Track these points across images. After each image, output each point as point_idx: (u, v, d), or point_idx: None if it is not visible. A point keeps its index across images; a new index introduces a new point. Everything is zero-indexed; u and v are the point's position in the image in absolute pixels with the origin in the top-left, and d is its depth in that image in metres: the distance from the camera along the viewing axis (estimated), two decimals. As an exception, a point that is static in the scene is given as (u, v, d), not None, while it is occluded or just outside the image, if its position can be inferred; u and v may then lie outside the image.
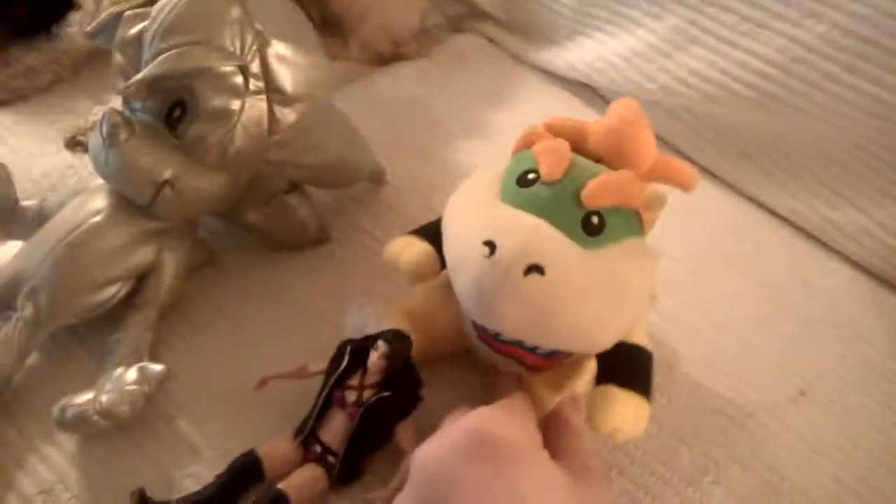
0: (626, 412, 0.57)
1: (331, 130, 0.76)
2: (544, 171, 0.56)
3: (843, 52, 0.80)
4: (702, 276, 0.83)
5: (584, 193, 0.55)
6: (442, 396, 0.64)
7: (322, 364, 0.64)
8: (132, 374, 0.64)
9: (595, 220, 0.55)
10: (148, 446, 0.64)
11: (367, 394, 0.61)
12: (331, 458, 0.61)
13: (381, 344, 0.60)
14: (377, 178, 0.86)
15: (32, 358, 0.69)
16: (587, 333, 0.56)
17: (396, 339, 0.61)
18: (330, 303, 0.74)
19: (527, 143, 0.60)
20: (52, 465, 0.64)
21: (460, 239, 0.59)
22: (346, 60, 1.08)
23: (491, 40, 1.14)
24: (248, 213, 0.75)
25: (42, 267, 0.65)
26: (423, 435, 0.60)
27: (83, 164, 0.88)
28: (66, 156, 0.90)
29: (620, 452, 0.66)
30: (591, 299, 0.54)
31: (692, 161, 0.95)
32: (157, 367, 0.64)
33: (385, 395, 0.60)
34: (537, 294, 0.53)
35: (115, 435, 0.64)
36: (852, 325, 0.80)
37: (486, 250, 0.54)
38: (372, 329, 0.64)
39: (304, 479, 0.60)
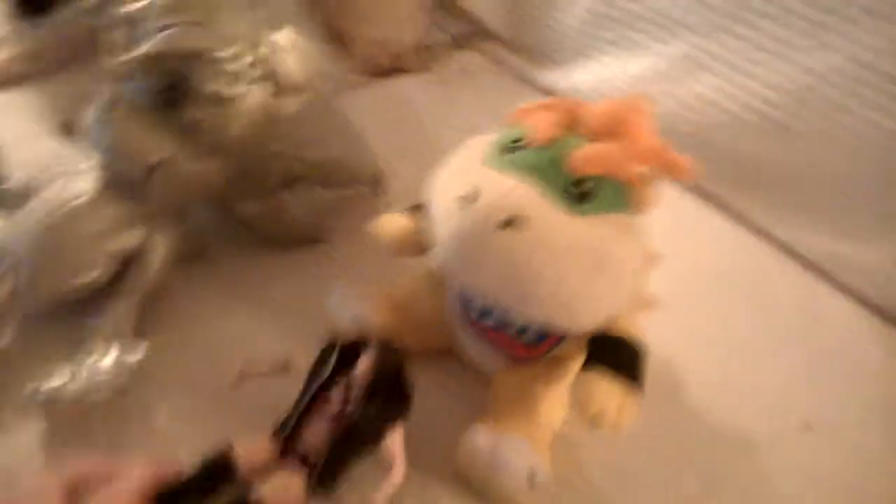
0: (609, 397, 0.53)
1: (331, 126, 0.74)
2: (532, 135, 0.54)
3: (856, 84, 0.79)
4: (707, 303, 0.80)
5: (573, 159, 0.52)
6: (428, 399, 0.61)
7: (304, 360, 0.60)
8: (108, 360, 0.60)
9: (583, 187, 0.53)
10: (120, 437, 0.61)
11: (351, 403, 0.57)
12: (311, 463, 0.57)
13: (370, 355, 0.57)
14: (376, 183, 0.83)
15: (5, 339, 0.65)
16: (568, 301, 0.53)
17: (386, 351, 0.58)
18: (319, 304, 0.69)
19: (517, 118, 0.58)
20: (18, 450, 0.60)
21: (439, 196, 0.56)
22: (350, 72, 1.07)
23: (494, 59, 1.13)
24: (242, 206, 0.72)
25: (23, 246, 0.62)
26: (414, 439, 0.58)
27: (75, 149, 0.84)
28: (58, 141, 0.87)
29: (625, 474, 0.63)
30: (573, 264, 0.51)
31: (699, 188, 0.94)
32: (134, 356, 0.62)
33: (371, 409, 0.57)
34: (516, 249, 0.51)
35: (87, 423, 0.61)
36: (861, 362, 0.77)
37: (465, 203, 0.52)
38: (350, 310, 0.62)
39: (280, 484, 0.56)
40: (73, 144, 0.84)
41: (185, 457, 0.58)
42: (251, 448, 0.57)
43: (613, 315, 0.57)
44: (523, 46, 1.11)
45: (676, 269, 0.81)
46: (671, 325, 0.76)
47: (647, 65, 0.94)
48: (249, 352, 0.67)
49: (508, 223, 0.50)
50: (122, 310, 0.65)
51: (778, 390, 0.73)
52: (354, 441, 0.57)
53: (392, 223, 0.65)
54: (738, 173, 0.91)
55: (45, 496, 0.47)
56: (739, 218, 0.92)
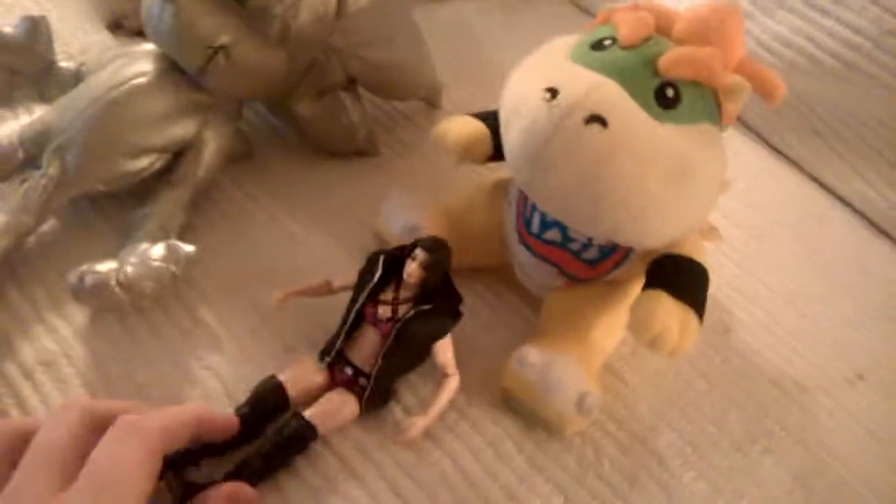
0: (670, 320, 0.51)
1: (399, 28, 0.71)
2: (622, 33, 0.51)
3: (943, 29, 0.76)
4: (763, 246, 0.78)
5: (662, 60, 0.50)
6: (474, 318, 0.60)
7: (349, 279, 0.58)
8: (159, 250, 0.58)
9: (670, 92, 0.50)
10: (166, 329, 0.59)
11: (402, 308, 0.55)
12: (362, 381, 0.55)
13: (419, 252, 0.55)
14: (433, 99, 0.81)
15: (49, 223, 0.64)
16: (642, 210, 0.50)
17: (436, 246, 0.55)
18: (370, 212, 0.69)
19: (606, 19, 0.55)
20: (59, 337, 0.58)
21: (518, 88, 0.53)
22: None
23: (557, -11, 1.09)
24: (298, 105, 0.69)
25: (74, 124, 0.60)
26: (460, 356, 0.57)
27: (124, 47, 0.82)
28: (108, 36, 0.84)
29: (671, 407, 0.62)
30: (652, 170, 0.49)
31: (760, 134, 0.91)
32: (187, 247, 0.59)
33: (424, 308, 0.54)
34: (595, 146, 0.48)
35: (131, 313, 0.59)
36: (913, 317, 0.76)
37: (547, 95, 0.49)
38: (403, 217, 0.60)
39: (331, 405, 0.54)
40: (121, 42, 0.83)
41: (232, 356, 0.59)
42: (298, 372, 0.56)
43: (686, 232, 0.54)
44: (588, -25, 1.08)
45: (733, 210, 0.80)
46: (724, 265, 0.75)
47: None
48: (297, 259, 0.66)
49: (591, 120, 0.48)
50: (174, 201, 0.63)
51: (828, 339, 0.71)
52: (408, 347, 0.55)
53: (459, 124, 0.62)
54: (808, 119, 0.88)
55: (66, 426, 0.43)
56: (803, 166, 0.89)
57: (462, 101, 0.85)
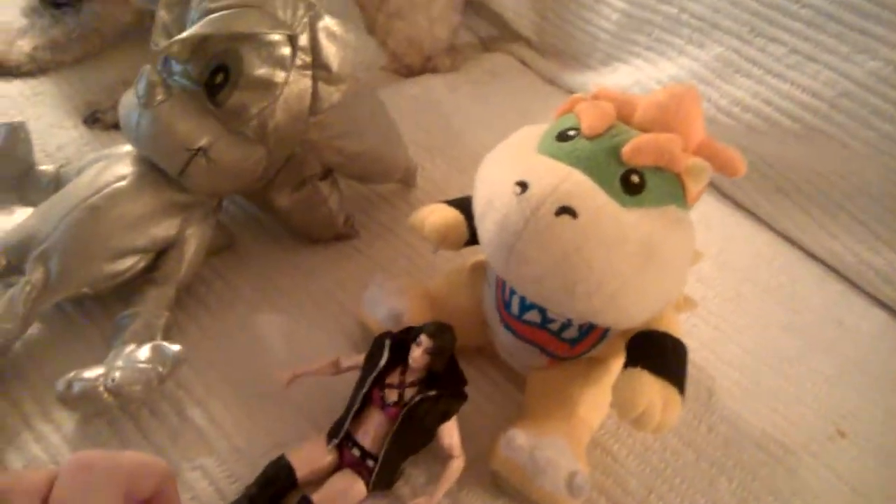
0: (654, 398, 0.52)
1: (371, 118, 0.73)
2: (586, 124, 0.53)
3: (893, 90, 0.79)
4: (738, 307, 0.80)
5: (626, 149, 0.52)
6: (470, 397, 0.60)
7: (355, 359, 0.59)
8: (146, 352, 0.58)
9: (635, 178, 0.52)
10: (154, 433, 0.59)
11: (408, 392, 0.56)
12: (369, 463, 0.56)
13: (423, 338, 0.56)
14: (409, 179, 0.83)
15: (35, 328, 0.64)
16: (615, 295, 0.51)
17: (440, 331, 0.56)
18: (352, 298, 0.70)
19: (570, 108, 0.57)
20: (47, 444, 0.58)
21: (490, 181, 0.55)
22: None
23: (523, 61, 1.12)
24: (277, 197, 0.70)
25: (57, 229, 0.60)
26: (463, 436, 0.57)
27: (101, 141, 0.84)
28: (84, 131, 0.86)
29: (660, 479, 0.62)
30: (622, 256, 0.50)
31: (728, 195, 0.94)
32: (173, 348, 0.59)
33: (430, 394, 0.55)
34: (565, 237, 0.50)
35: (119, 417, 0.60)
36: (888, 370, 0.78)
37: (518, 189, 0.51)
38: (386, 304, 0.61)
39: (339, 487, 0.55)
40: (98, 137, 0.84)
41: (222, 454, 0.58)
42: (307, 452, 0.56)
43: (659, 311, 0.56)
44: (553, 49, 1.11)
45: (707, 274, 0.82)
46: (702, 329, 0.76)
47: (682, 68, 0.94)
48: (282, 351, 0.67)
49: (561, 211, 0.49)
50: (158, 300, 0.64)
51: (809, 397, 0.73)
52: (415, 431, 0.56)
53: (435, 213, 0.63)
54: (771, 179, 0.91)
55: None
56: (770, 224, 0.91)
57: (436, 178, 0.87)
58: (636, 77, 0.98)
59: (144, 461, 0.42)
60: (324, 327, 0.69)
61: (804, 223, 0.89)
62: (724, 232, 0.90)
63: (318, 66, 0.65)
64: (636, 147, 0.52)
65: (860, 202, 0.86)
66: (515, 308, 0.61)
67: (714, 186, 0.94)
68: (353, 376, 0.59)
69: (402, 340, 0.57)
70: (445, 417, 0.57)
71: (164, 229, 0.64)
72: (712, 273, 0.82)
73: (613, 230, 0.50)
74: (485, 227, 0.55)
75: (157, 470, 0.43)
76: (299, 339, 0.68)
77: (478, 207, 0.56)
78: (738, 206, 0.93)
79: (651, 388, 0.52)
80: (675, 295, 0.57)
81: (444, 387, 0.56)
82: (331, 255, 0.76)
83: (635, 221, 0.51)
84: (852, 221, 0.86)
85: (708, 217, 0.89)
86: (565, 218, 0.50)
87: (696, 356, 0.72)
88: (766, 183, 0.91)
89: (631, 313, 0.54)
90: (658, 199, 0.53)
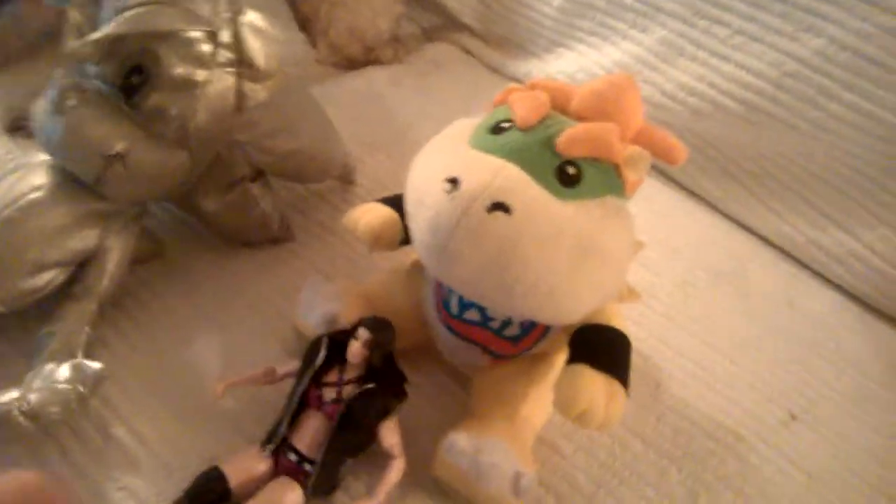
0: (597, 394, 0.50)
1: (303, 116, 0.70)
2: (519, 115, 0.51)
3: (838, 68, 0.78)
4: (687, 294, 0.79)
5: (561, 140, 0.50)
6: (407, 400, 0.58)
7: (291, 365, 0.58)
8: (65, 371, 0.56)
9: (571, 170, 0.50)
10: (77, 454, 0.57)
11: (347, 389, 0.54)
12: (307, 467, 0.54)
13: (361, 332, 0.54)
14: (347, 176, 0.80)
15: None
16: (553, 291, 0.49)
17: (379, 325, 0.55)
18: (290, 304, 0.67)
19: (504, 99, 0.55)
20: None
21: (421, 179, 0.53)
22: (315, 63, 1.03)
23: (467, 50, 1.10)
24: (205, 201, 0.68)
25: (-30, 245, 0.57)
26: (406, 439, 0.56)
27: (24, 150, 0.80)
28: (5, 140, 0.82)
29: (609, 473, 0.61)
30: (559, 251, 0.48)
31: (675, 180, 0.93)
32: (93, 366, 0.57)
33: (369, 387, 0.54)
34: (499, 234, 0.48)
35: (40, 440, 0.57)
36: (841, 351, 0.77)
37: (448, 186, 0.49)
38: (321, 307, 0.60)
39: (275, 494, 0.52)
40: (21, 146, 0.81)
41: (149, 473, 0.56)
42: (241, 461, 0.54)
43: (602, 303, 0.54)
44: (496, 37, 1.09)
45: (654, 261, 0.80)
46: (650, 318, 0.75)
47: (625, 53, 0.93)
48: (215, 362, 0.64)
49: (494, 208, 0.47)
50: (78, 316, 0.61)
51: (760, 382, 0.72)
52: (354, 429, 0.54)
53: (369, 213, 0.61)
54: (718, 162, 0.90)
55: None
56: (719, 208, 0.90)
57: (378, 175, 0.85)
58: (581, 63, 0.96)
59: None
60: (260, 336, 0.66)
61: (752, 206, 0.88)
62: (672, 217, 0.89)
63: (242, 62, 0.62)
64: (571, 137, 0.50)
65: (808, 183, 0.85)
66: (455, 307, 0.59)
67: (660, 172, 0.93)
68: (289, 386, 0.57)
69: (339, 340, 0.56)
70: (385, 414, 0.55)
71: (83, 240, 0.61)
72: (660, 260, 0.81)
73: (549, 225, 0.48)
74: (416, 227, 0.53)
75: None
76: (233, 349, 0.65)
77: (409, 206, 0.54)
78: (686, 190, 0.92)
79: (593, 385, 0.51)
80: (615, 288, 0.55)
81: (384, 384, 0.55)
82: (266, 259, 0.73)
83: (572, 215, 0.49)
84: (801, 202, 0.85)
85: (655, 203, 0.88)
86: (498, 214, 0.48)
87: (644, 346, 0.71)
88: (713, 166, 0.90)
89: (570, 309, 0.52)
90: (595, 191, 0.51)
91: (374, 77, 1.02)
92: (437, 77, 1.05)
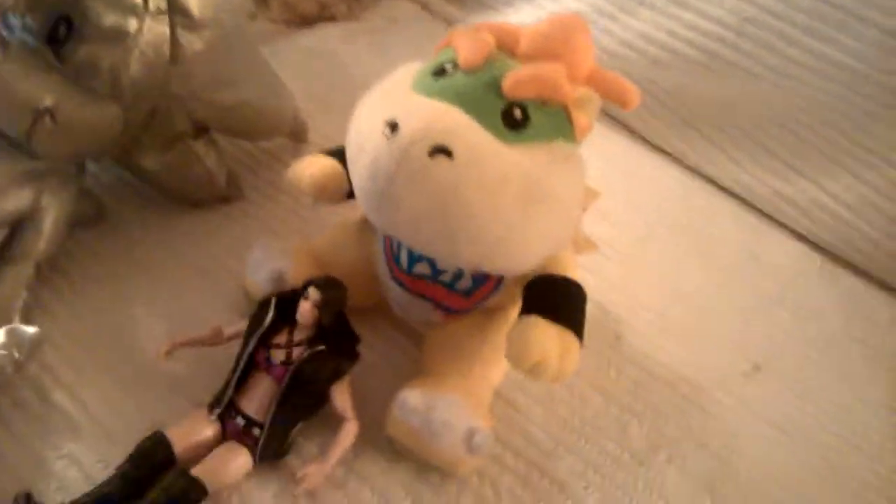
0: (549, 346, 0.49)
1: (246, 69, 0.67)
2: (463, 57, 0.49)
3: (800, 13, 0.77)
4: (648, 247, 0.78)
5: (506, 82, 0.48)
6: (361, 360, 0.57)
7: (239, 325, 0.55)
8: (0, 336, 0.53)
9: (517, 113, 0.48)
10: (15, 422, 0.54)
11: (297, 351, 0.53)
12: (255, 431, 0.52)
13: (311, 291, 0.52)
14: (299, 134, 0.78)
15: None
16: (501, 239, 0.48)
17: (329, 284, 0.53)
18: (240, 265, 0.64)
19: (448, 42, 0.53)
20: None
21: (361, 124, 0.51)
22: (268, 21, 1.00)
23: (424, 6, 1.07)
24: (144, 158, 0.65)
25: None
26: (359, 399, 0.54)
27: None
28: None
29: (568, 429, 0.60)
30: (504, 197, 0.46)
31: (634, 130, 0.91)
32: (29, 330, 0.55)
33: (320, 349, 0.52)
34: (441, 179, 0.45)
35: (-24, 407, 0.55)
36: (804, 301, 0.76)
37: (387, 130, 0.47)
38: (268, 265, 0.58)
39: (222, 460, 0.51)
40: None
41: (92, 440, 0.54)
42: (186, 426, 0.52)
43: (551, 254, 0.52)
44: (454, -10, 1.06)
45: (615, 213, 0.79)
46: (610, 270, 0.74)
47: (584, 3, 0.90)
48: (160, 326, 0.62)
49: (435, 152, 0.45)
50: (13, 279, 0.58)
51: (722, 334, 0.71)
52: (304, 391, 0.52)
53: (312, 165, 0.59)
54: (679, 112, 0.88)
55: None
56: (680, 159, 0.89)
57: (331, 133, 0.81)
58: (539, 15, 0.93)
59: None
60: (208, 298, 0.64)
61: (714, 156, 0.86)
62: (633, 170, 0.87)
63: (175, 10, 0.59)
64: (517, 79, 0.48)
65: (770, 132, 0.84)
66: (404, 262, 0.57)
67: (620, 123, 0.91)
68: (237, 347, 0.54)
69: (289, 300, 0.54)
70: (336, 377, 0.54)
71: (16, 200, 0.58)
72: (621, 212, 0.79)
73: (493, 170, 0.46)
74: (356, 174, 0.51)
75: None
76: (179, 312, 0.63)
77: (350, 153, 0.52)
78: (646, 142, 0.90)
79: (546, 336, 0.49)
80: (566, 236, 0.54)
81: (335, 345, 0.53)
82: (216, 219, 0.71)
83: (518, 159, 0.47)
84: (763, 152, 0.84)
85: (615, 155, 0.87)
86: (440, 159, 0.45)
87: (604, 298, 0.70)
88: (673, 117, 0.88)
89: (519, 258, 0.51)
90: (543, 135, 0.49)
91: (328, 34, 0.99)
92: (394, 34, 1.02)
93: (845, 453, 0.63)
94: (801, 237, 0.82)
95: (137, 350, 0.58)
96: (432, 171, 0.46)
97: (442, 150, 0.45)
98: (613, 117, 0.91)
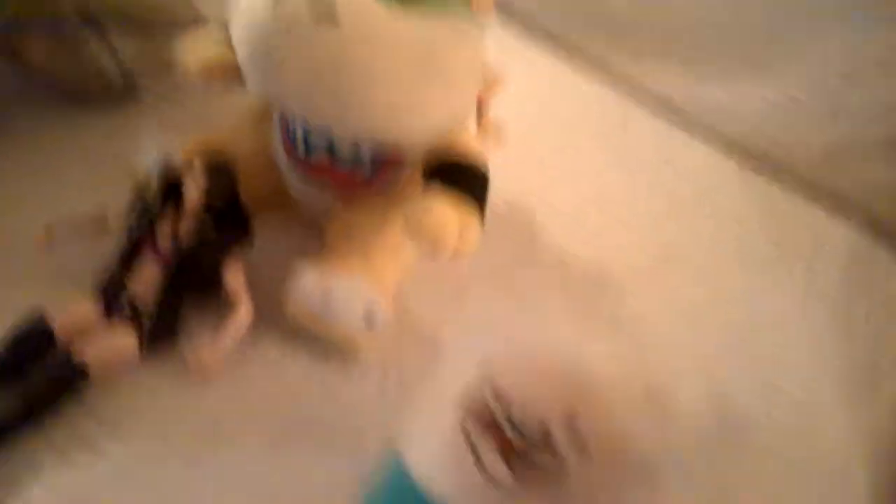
0: (447, 220, 0.48)
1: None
2: None
3: None
4: (566, 156, 0.77)
5: None
6: (263, 251, 0.56)
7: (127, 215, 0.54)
8: None
9: None
10: None
11: (184, 234, 0.51)
12: (143, 316, 0.51)
13: (197, 175, 0.51)
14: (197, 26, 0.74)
15: None
16: (392, 106, 0.47)
17: (216, 168, 0.52)
18: (134, 156, 0.61)
19: None
20: None
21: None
22: None
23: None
24: (30, 51, 0.61)
25: None
26: (258, 287, 0.53)
27: None
28: None
29: (471, 317, 0.59)
30: (396, 64, 0.45)
31: (554, 35, 0.89)
32: None
33: (208, 233, 0.51)
34: (327, 46, 0.44)
35: None
36: (720, 204, 0.76)
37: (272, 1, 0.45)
38: (157, 156, 0.56)
39: (105, 343, 0.49)
40: None
41: None
42: (69, 311, 0.50)
43: (449, 130, 0.51)
44: None
45: (534, 121, 0.77)
46: (530, 176, 0.73)
47: None
48: (55, 213, 0.58)
49: (321, 17, 0.44)
50: None
51: (635, 232, 0.71)
52: (192, 276, 0.51)
53: (199, 44, 0.56)
54: (598, 20, 0.86)
55: None
56: (599, 66, 0.87)
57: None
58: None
59: None
60: (100, 187, 0.60)
61: (631, 64, 0.85)
62: (552, 78, 0.86)
63: None
64: None
65: (685, 38, 0.82)
66: (301, 148, 0.55)
67: (541, 29, 0.89)
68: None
69: (176, 185, 0.52)
70: (225, 259, 0.52)
71: None
72: (539, 120, 0.78)
73: (384, 37, 0.45)
74: (241, 45, 0.49)
75: None
76: (67, 206, 0.59)
77: (235, 25, 0.50)
78: (566, 50, 0.89)
79: (443, 212, 0.48)
80: (462, 109, 0.53)
81: (225, 228, 0.52)
82: (113, 119, 0.68)
83: (408, 29, 0.46)
84: (677, 55, 0.83)
85: (534, 64, 0.86)
86: (326, 25, 0.44)
87: (522, 201, 0.69)
88: (592, 24, 0.86)
89: (413, 127, 0.49)
90: (437, 5, 0.47)
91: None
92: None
93: (750, 330, 0.64)
94: (715, 142, 0.82)
95: (19, 242, 0.55)
96: (318, 39, 0.44)
97: (328, 18, 0.44)
98: (539, 29, 0.89)
